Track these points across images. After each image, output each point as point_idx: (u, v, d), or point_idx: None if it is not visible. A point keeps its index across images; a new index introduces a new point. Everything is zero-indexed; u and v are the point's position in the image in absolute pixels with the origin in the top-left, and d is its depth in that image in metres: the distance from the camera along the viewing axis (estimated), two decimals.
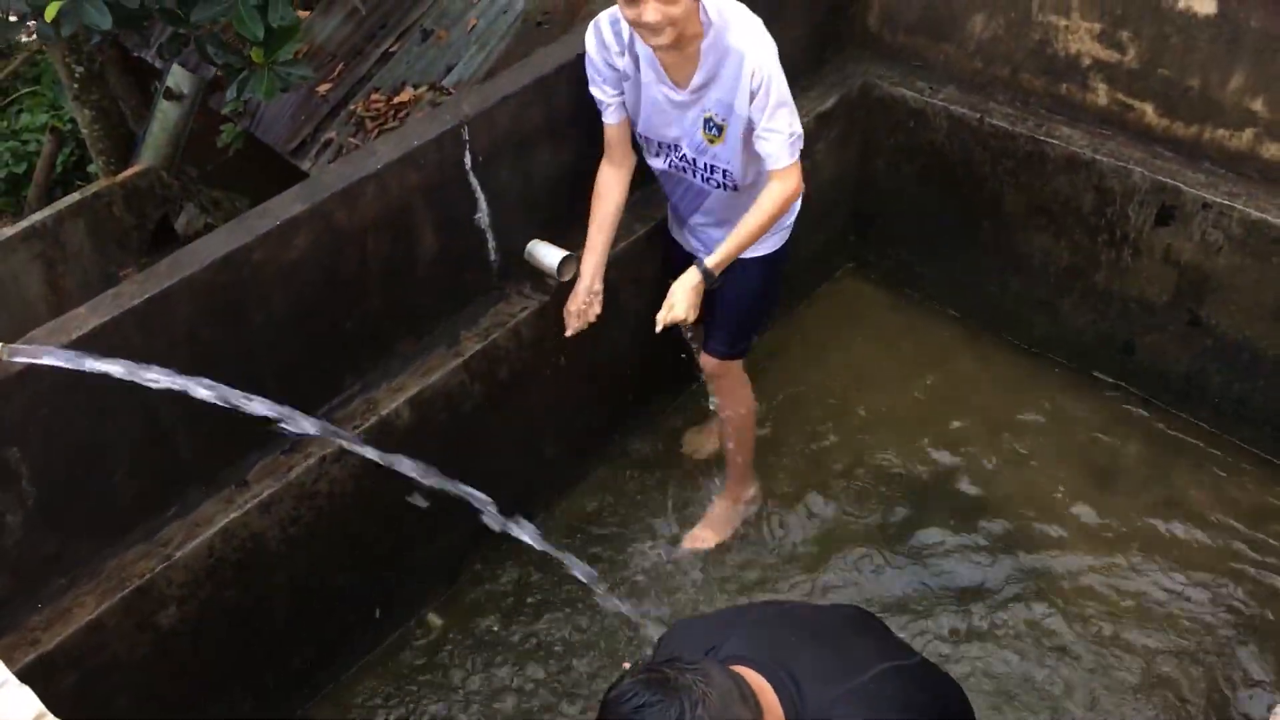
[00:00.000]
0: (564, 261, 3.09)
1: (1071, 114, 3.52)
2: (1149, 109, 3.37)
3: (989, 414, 3.76)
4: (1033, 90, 3.57)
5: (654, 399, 3.74)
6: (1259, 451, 3.54)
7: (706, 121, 2.79)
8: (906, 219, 3.99)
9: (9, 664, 1.62)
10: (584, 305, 3.07)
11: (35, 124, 6.64)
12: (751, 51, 2.64)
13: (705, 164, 2.88)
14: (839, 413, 3.79)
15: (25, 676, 2.22)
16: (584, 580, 2.97)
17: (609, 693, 1.59)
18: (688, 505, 3.56)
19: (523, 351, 3.14)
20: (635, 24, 2.59)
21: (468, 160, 2.85)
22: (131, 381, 2.32)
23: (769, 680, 1.69)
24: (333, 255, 2.69)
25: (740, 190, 2.91)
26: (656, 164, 3.00)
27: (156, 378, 2.26)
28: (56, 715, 1.35)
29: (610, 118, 2.92)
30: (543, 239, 3.13)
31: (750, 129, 2.74)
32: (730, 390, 3.25)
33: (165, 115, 5.29)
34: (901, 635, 3.12)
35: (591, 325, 3.27)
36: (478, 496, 2.57)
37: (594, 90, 2.90)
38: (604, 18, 2.80)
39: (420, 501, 2.58)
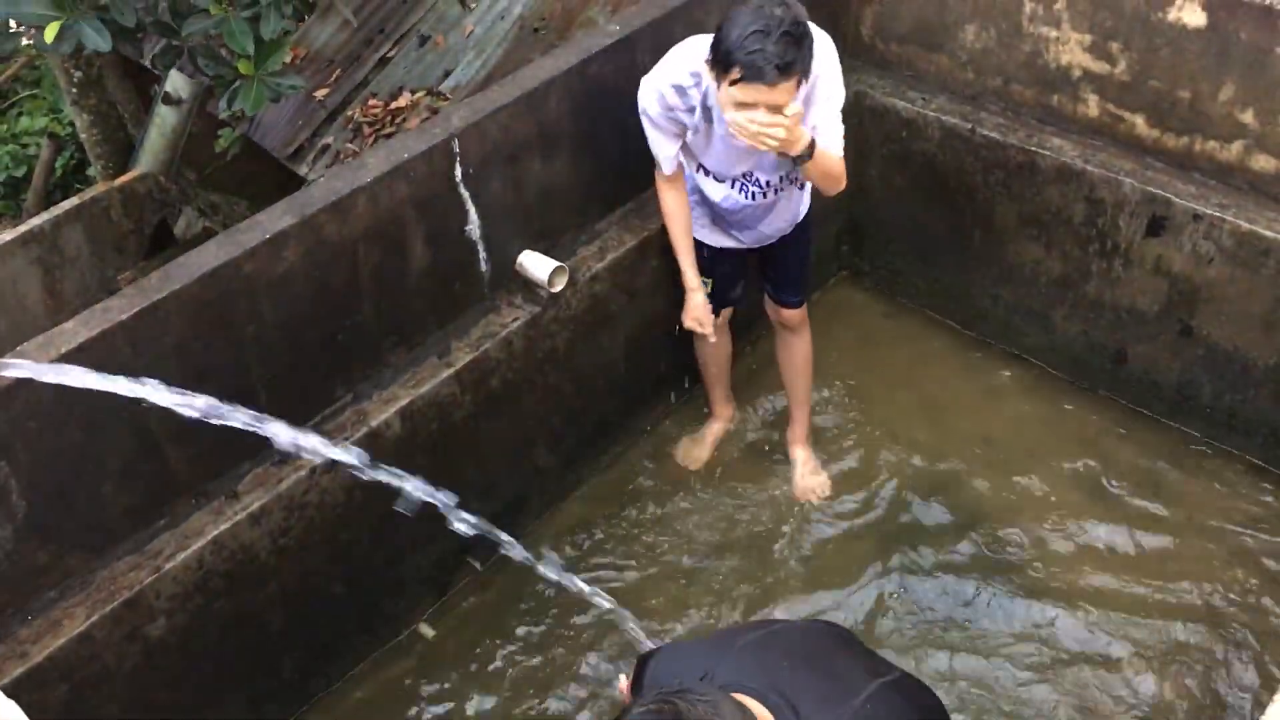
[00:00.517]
0: (555, 272, 3.10)
1: (1062, 125, 3.52)
2: (1139, 120, 3.37)
3: (981, 423, 3.77)
4: (1024, 101, 3.58)
5: (644, 408, 3.75)
6: (1252, 459, 3.55)
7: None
8: (899, 228, 3.99)
9: None
10: (701, 313, 3.21)
11: (35, 128, 6.66)
12: (822, 76, 2.71)
13: (779, 177, 2.99)
14: (832, 420, 3.80)
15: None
16: (564, 584, 2.96)
17: None
18: (678, 515, 3.57)
19: (514, 362, 3.15)
20: (738, 127, 2.62)
21: (458, 172, 2.86)
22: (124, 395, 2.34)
23: (769, 709, 1.69)
24: (323, 267, 2.70)
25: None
26: (719, 189, 3.05)
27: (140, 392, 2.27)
28: None
29: (669, 167, 3.00)
30: (534, 250, 3.14)
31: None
32: (806, 332, 3.51)
33: (163, 120, 5.31)
34: (893, 645, 3.18)
35: (582, 336, 3.30)
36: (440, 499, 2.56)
37: (657, 147, 2.95)
38: (664, 82, 2.82)
39: (405, 509, 2.58)
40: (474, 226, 2.98)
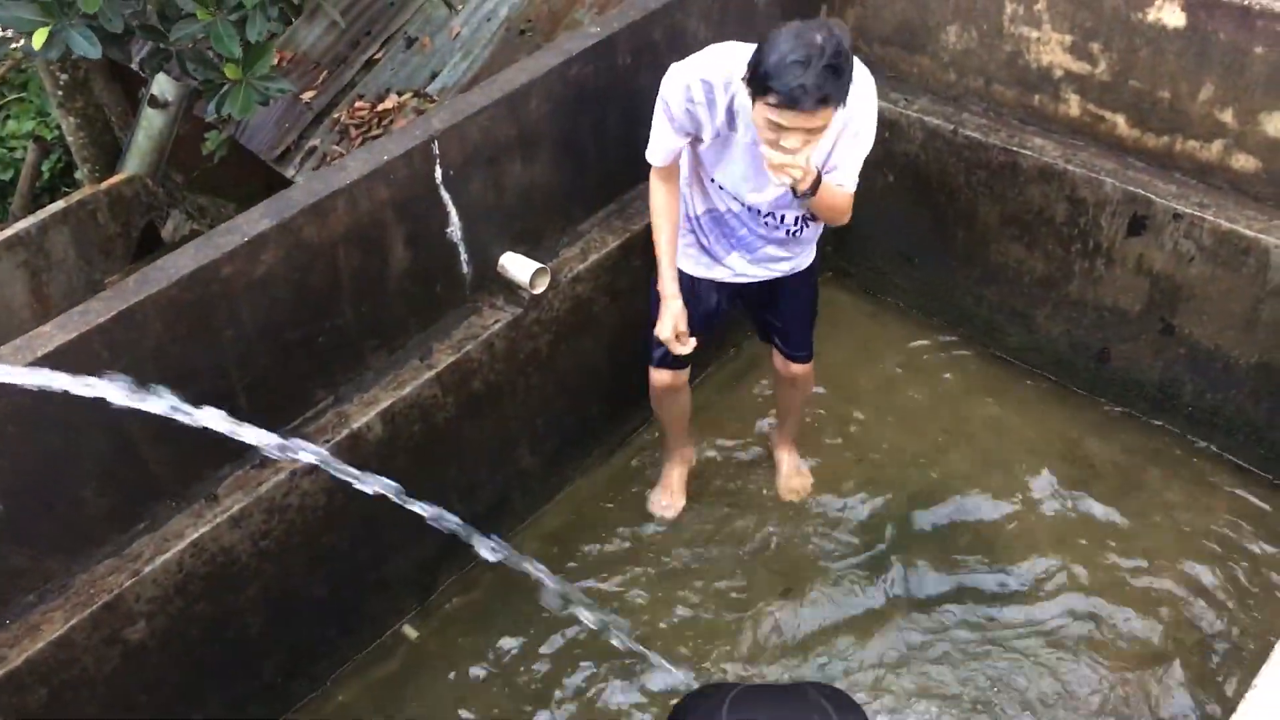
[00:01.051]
0: (536, 274, 3.11)
1: (1044, 125, 3.53)
2: (1120, 120, 3.38)
3: (966, 423, 3.78)
4: (1005, 101, 3.58)
5: (628, 411, 3.75)
6: (1233, 459, 3.56)
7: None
8: (883, 229, 4.00)
9: None
10: (680, 322, 3.01)
11: (22, 131, 6.65)
12: (856, 112, 2.65)
13: (791, 214, 2.94)
14: (819, 422, 3.80)
15: None
16: (551, 584, 2.96)
17: None
18: (661, 518, 3.57)
19: (496, 364, 3.15)
20: (769, 142, 2.54)
21: (438, 174, 2.86)
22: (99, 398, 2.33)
23: None
24: (302, 270, 2.70)
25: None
26: (723, 205, 2.97)
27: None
28: None
29: (660, 159, 2.88)
30: (516, 252, 3.14)
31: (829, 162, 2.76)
32: (810, 381, 3.49)
33: (150, 123, 5.30)
34: (878, 644, 3.18)
35: (564, 337, 3.30)
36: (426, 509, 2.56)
37: (658, 137, 2.84)
38: (695, 75, 2.71)
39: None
40: (455, 228, 2.98)
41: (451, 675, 3.24)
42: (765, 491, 3.62)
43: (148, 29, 3.65)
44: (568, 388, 3.44)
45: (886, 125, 3.73)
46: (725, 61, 2.69)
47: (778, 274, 3.12)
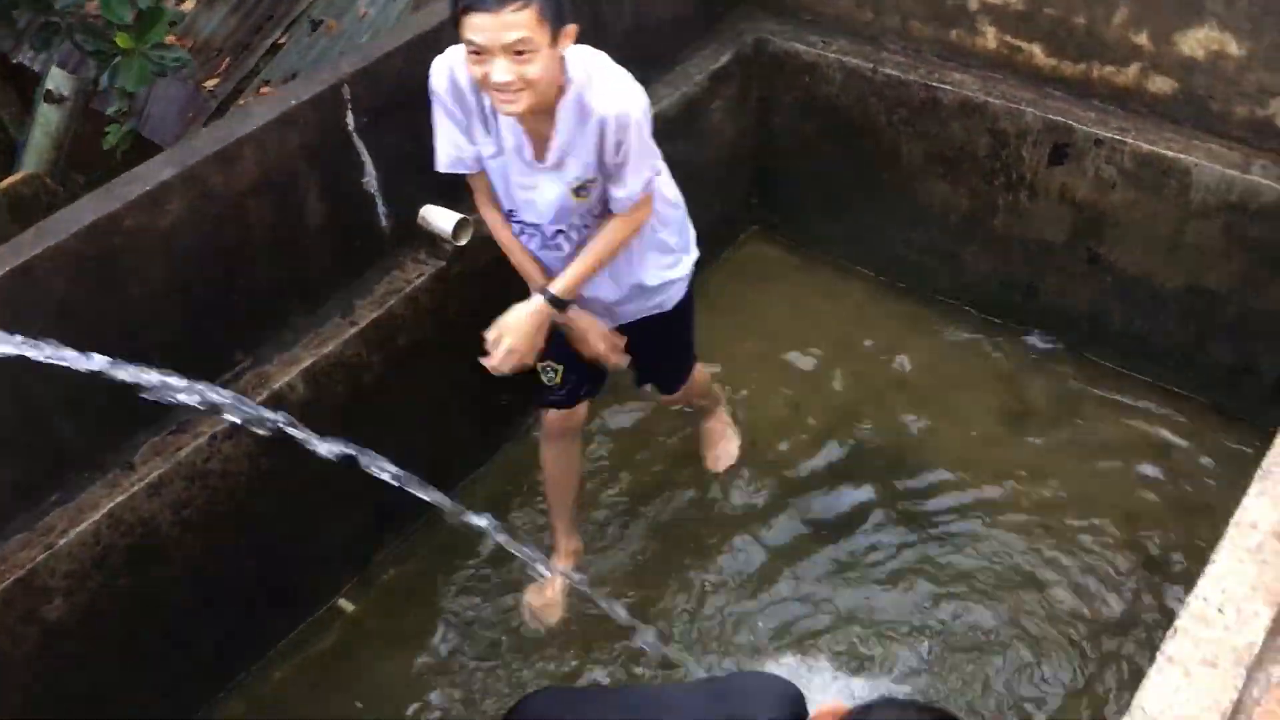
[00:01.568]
0: (459, 225, 3.01)
1: (962, 59, 3.53)
2: (1037, 50, 3.39)
3: (900, 366, 3.76)
4: (923, 38, 3.57)
5: None
6: (1164, 385, 3.59)
7: (574, 189, 2.50)
8: (808, 177, 3.97)
9: None
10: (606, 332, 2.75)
11: None
12: (612, 113, 2.33)
13: (570, 225, 2.59)
14: (755, 376, 3.75)
15: None
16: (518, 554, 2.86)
17: None
18: (597, 477, 3.49)
19: (422, 319, 3.05)
20: (484, 85, 2.23)
21: (351, 121, 2.76)
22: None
23: None
24: (212, 222, 2.58)
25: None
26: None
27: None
28: None
29: (466, 168, 2.56)
30: (437, 203, 3.05)
31: (608, 174, 2.46)
32: (695, 393, 3.26)
33: (46, 119, 5.10)
34: (825, 586, 3.14)
35: (492, 292, 3.21)
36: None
37: (443, 142, 2.50)
38: (460, 54, 2.32)
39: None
40: (371, 178, 2.87)
41: (391, 648, 3.13)
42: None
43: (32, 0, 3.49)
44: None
45: (805, 69, 3.70)
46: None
47: (629, 318, 2.80)
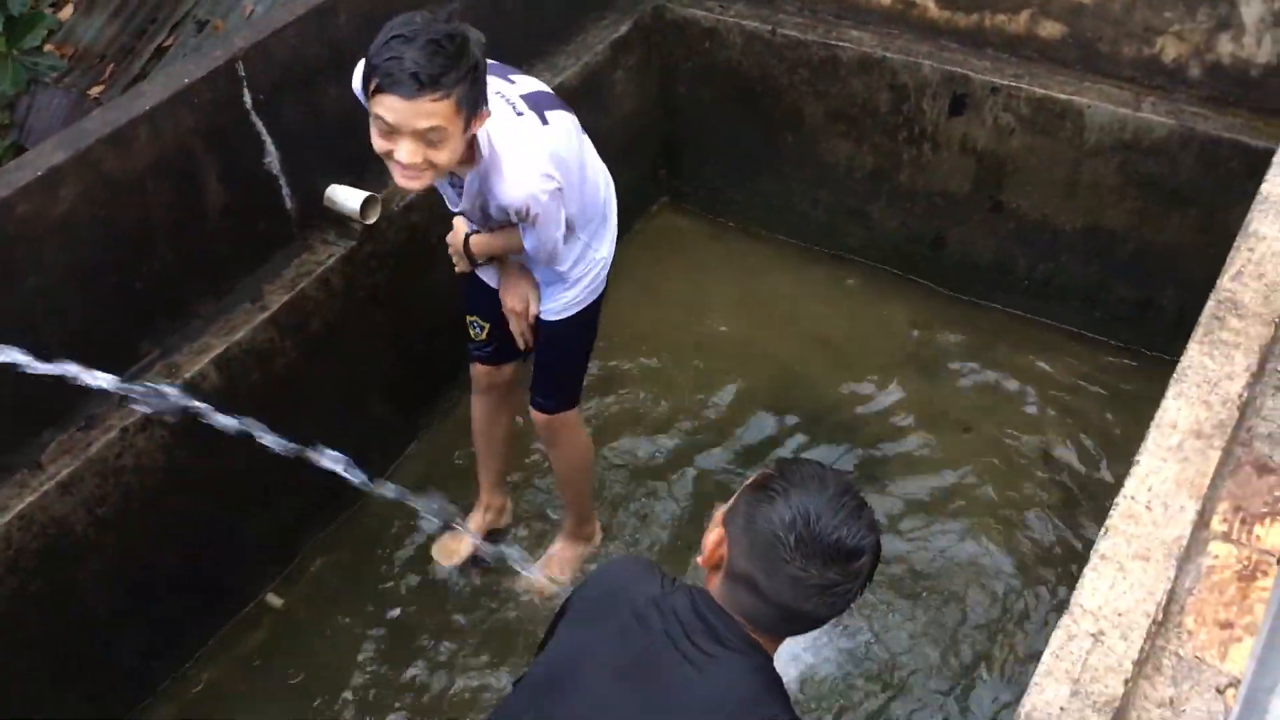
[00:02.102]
0: (367, 202, 2.96)
1: (858, 17, 3.57)
2: (930, 3, 3.45)
3: (817, 328, 3.79)
4: None
5: None
6: (1071, 327, 3.67)
7: (490, 225, 2.54)
8: (714, 144, 3.98)
9: None
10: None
11: None
12: (514, 202, 2.32)
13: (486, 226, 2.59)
14: (673, 346, 3.75)
15: None
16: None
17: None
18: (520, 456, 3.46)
19: (334, 302, 2.99)
20: (386, 157, 2.17)
21: (248, 99, 2.69)
22: None
23: None
24: (108, 207, 2.49)
25: None
26: None
27: None
28: None
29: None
30: (342, 181, 2.99)
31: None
32: (561, 443, 2.92)
33: None
34: None
35: (404, 271, 3.16)
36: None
37: None
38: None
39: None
40: (272, 158, 2.81)
41: (322, 640, 3.06)
42: (633, 419, 3.54)
43: None
44: (414, 326, 3.29)
45: (705, 34, 3.72)
46: None
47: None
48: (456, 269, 2.70)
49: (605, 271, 2.70)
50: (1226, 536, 1.70)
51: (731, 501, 1.60)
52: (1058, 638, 1.56)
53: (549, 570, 3.11)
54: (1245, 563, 1.67)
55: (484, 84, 2.17)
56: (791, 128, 3.77)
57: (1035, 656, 2.85)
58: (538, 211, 2.33)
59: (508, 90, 2.37)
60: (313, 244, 2.98)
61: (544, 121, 2.37)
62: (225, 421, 2.39)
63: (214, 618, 3.01)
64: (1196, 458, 1.77)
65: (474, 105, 2.14)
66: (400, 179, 2.20)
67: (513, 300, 2.67)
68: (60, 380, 2.33)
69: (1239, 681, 1.55)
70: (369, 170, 3.10)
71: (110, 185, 2.48)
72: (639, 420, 3.53)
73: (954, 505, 3.25)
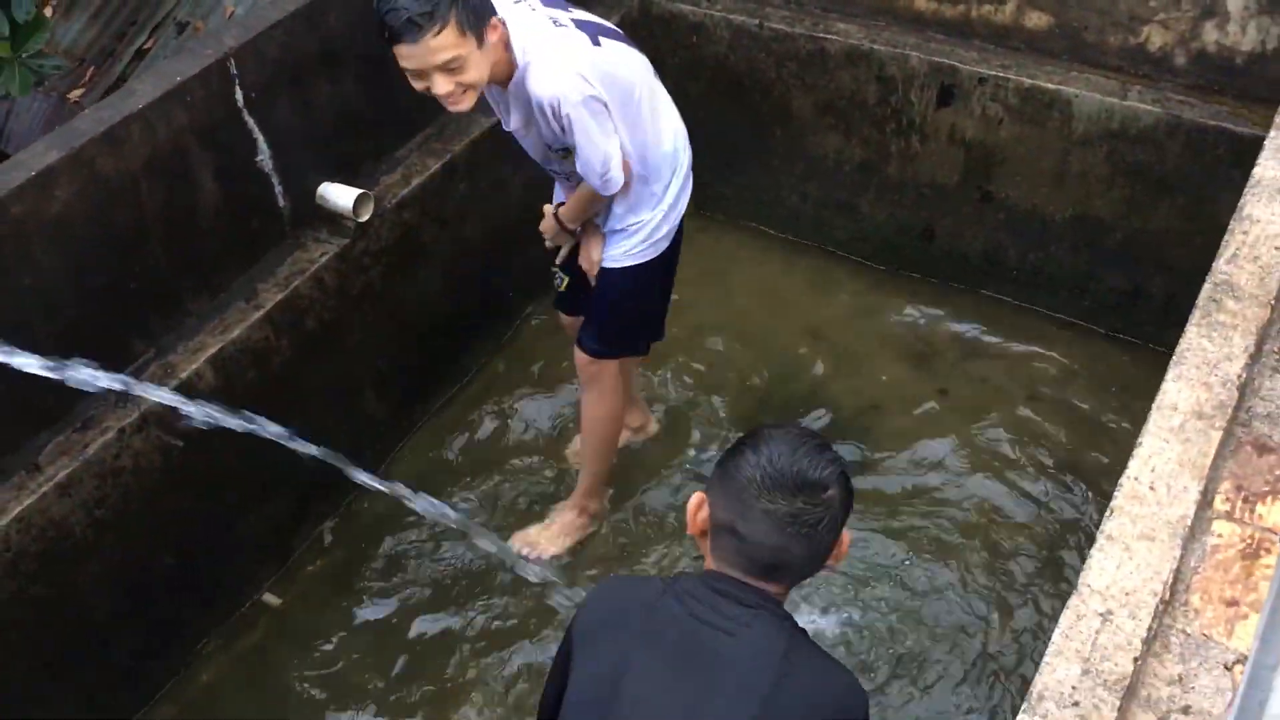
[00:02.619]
0: (359, 200, 2.96)
1: (845, 9, 3.59)
2: None
3: (807, 321, 3.80)
4: None
5: (471, 346, 3.62)
6: (1061, 316, 3.70)
7: (552, 149, 2.61)
8: (702, 139, 3.89)
9: None
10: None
11: None
12: (545, 97, 2.41)
13: (561, 172, 2.76)
14: (663, 345, 3.75)
15: None
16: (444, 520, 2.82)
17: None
18: (512, 454, 3.46)
19: (328, 300, 2.99)
20: (427, 94, 2.35)
21: (239, 97, 2.68)
22: None
23: None
24: (102, 207, 2.48)
25: None
26: None
27: None
28: None
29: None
30: (334, 180, 2.98)
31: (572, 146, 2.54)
32: (592, 390, 2.97)
33: None
34: None
35: (396, 269, 3.16)
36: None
37: None
38: None
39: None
40: (265, 156, 2.80)
41: (319, 639, 3.05)
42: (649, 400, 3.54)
43: None
44: (407, 324, 3.29)
45: (692, 29, 3.72)
46: None
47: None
48: (558, 248, 2.90)
49: (669, 233, 2.79)
50: (1229, 515, 1.72)
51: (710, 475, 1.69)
52: (1067, 617, 1.57)
53: (545, 534, 3.16)
54: (1249, 541, 1.68)
55: (482, 6, 2.30)
56: (780, 121, 3.78)
57: (1033, 635, 2.92)
58: (568, 113, 2.41)
59: (560, 15, 2.49)
60: (306, 242, 2.98)
61: (595, 43, 2.49)
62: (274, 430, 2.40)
63: (212, 617, 3.00)
64: (1198, 438, 1.78)
65: (477, 20, 2.28)
66: (449, 108, 2.38)
67: (583, 257, 2.83)
68: (58, 382, 2.32)
69: (1246, 658, 1.57)
70: (362, 168, 3.11)
71: (103, 184, 2.47)
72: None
73: (945, 494, 3.27)
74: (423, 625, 3.06)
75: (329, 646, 3.03)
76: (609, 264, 2.78)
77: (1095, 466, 3.30)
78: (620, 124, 2.52)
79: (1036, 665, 1.55)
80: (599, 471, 3.13)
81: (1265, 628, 1.64)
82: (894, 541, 3.15)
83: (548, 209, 2.86)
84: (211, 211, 2.73)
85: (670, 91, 3.90)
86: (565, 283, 2.98)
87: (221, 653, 2.99)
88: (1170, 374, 1.89)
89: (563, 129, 2.47)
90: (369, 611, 3.10)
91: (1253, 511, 1.72)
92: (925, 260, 3.85)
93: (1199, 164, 3.20)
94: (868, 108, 3.60)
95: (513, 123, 2.57)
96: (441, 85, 2.30)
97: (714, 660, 1.55)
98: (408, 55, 2.26)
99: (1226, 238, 2.10)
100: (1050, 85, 3.30)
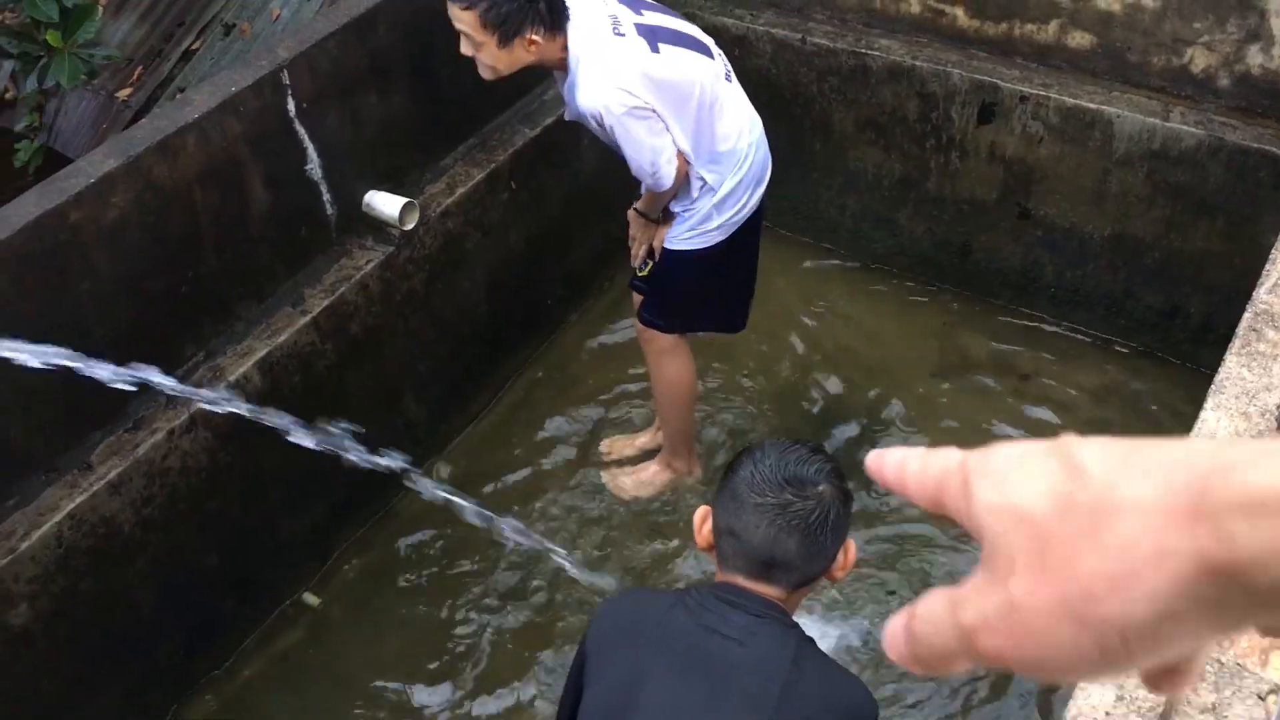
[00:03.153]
0: (405, 209, 3.01)
1: (888, 26, 3.61)
2: (959, 12, 3.48)
3: (842, 334, 3.82)
4: (848, 7, 3.65)
5: (510, 354, 3.67)
6: (1096, 333, 3.70)
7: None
8: None
9: None
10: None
11: None
12: (587, 109, 2.57)
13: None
14: (698, 350, 3.78)
15: None
16: (480, 524, 2.87)
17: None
18: (550, 464, 3.49)
19: (373, 306, 3.04)
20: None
21: (291, 107, 2.74)
22: None
23: None
24: (157, 214, 2.54)
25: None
26: None
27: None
28: None
29: None
30: (380, 189, 3.03)
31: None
32: (651, 361, 3.16)
33: None
34: None
35: (439, 276, 3.21)
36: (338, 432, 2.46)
37: None
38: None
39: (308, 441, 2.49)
40: (314, 166, 2.85)
41: (358, 639, 3.10)
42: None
43: None
44: (448, 330, 3.34)
45: (735, 42, 3.75)
46: None
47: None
48: (641, 245, 3.01)
49: (721, 226, 2.88)
50: None
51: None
52: None
53: (634, 477, 3.36)
54: None
55: (518, 18, 2.47)
56: (820, 135, 3.81)
57: None
58: (611, 124, 2.56)
59: (625, 16, 2.62)
60: (352, 249, 3.03)
61: (653, 49, 2.59)
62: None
63: (252, 616, 3.06)
64: None
65: (502, 27, 2.47)
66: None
67: (656, 238, 2.97)
68: (107, 383, 2.38)
69: (1279, 688, 1.58)
70: (407, 177, 3.16)
71: (159, 192, 2.53)
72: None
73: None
74: (461, 626, 3.11)
75: (367, 648, 3.07)
76: (668, 244, 2.93)
77: None
78: (674, 123, 2.65)
79: (1068, 689, 1.57)
80: (674, 432, 3.28)
81: None
82: (923, 554, 3.17)
83: (631, 213, 3.02)
84: (262, 219, 2.79)
85: None
86: (649, 267, 3.06)
87: (261, 651, 3.05)
88: (1209, 403, 1.90)
89: (607, 133, 2.60)
90: (407, 612, 3.15)
91: None
92: (962, 275, 3.86)
93: (1240, 186, 3.19)
94: (908, 123, 3.62)
95: (569, 115, 2.72)
96: (464, 47, 2.55)
97: (724, 669, 1.59)
98: (449, 11, 2.49)
99: (1268, 266, 2.11)
100: (1092, 105, 3.30)
